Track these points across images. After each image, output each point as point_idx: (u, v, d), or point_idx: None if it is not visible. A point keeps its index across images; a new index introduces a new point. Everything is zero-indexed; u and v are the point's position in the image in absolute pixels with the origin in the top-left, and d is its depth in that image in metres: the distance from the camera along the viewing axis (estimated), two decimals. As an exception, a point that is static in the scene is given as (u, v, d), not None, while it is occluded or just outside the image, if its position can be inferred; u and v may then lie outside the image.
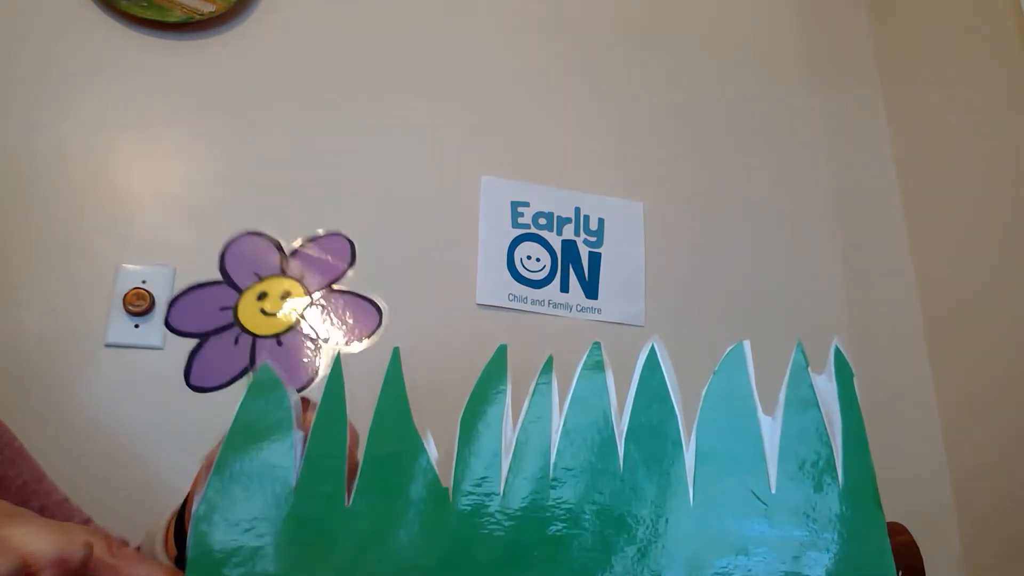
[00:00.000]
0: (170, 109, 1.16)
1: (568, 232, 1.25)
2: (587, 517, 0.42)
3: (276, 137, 1.18)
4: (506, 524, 0.41)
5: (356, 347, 0.47)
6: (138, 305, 1.02)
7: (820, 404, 0.44)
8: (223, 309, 0.48)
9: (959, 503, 1.22)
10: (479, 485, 0.42)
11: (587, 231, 1.25)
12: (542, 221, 1.24)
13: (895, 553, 0.41)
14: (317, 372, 0.46)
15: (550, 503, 0.42)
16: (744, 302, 1.28)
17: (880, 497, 0.42)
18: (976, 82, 1.26)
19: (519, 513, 0.42)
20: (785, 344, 0.46)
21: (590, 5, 1.39)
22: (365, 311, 0.49)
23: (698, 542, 0.41)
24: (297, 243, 0.51)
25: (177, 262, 1.06)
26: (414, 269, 1.15)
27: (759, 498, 0.42)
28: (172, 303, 0.49)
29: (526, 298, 1.19)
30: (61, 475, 0.71)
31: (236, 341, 0.47)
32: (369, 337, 0.48)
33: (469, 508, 0.42)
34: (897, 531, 0.88)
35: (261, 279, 0.50)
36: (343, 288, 0.50)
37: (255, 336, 0.47)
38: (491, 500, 0.42)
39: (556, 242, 1.23)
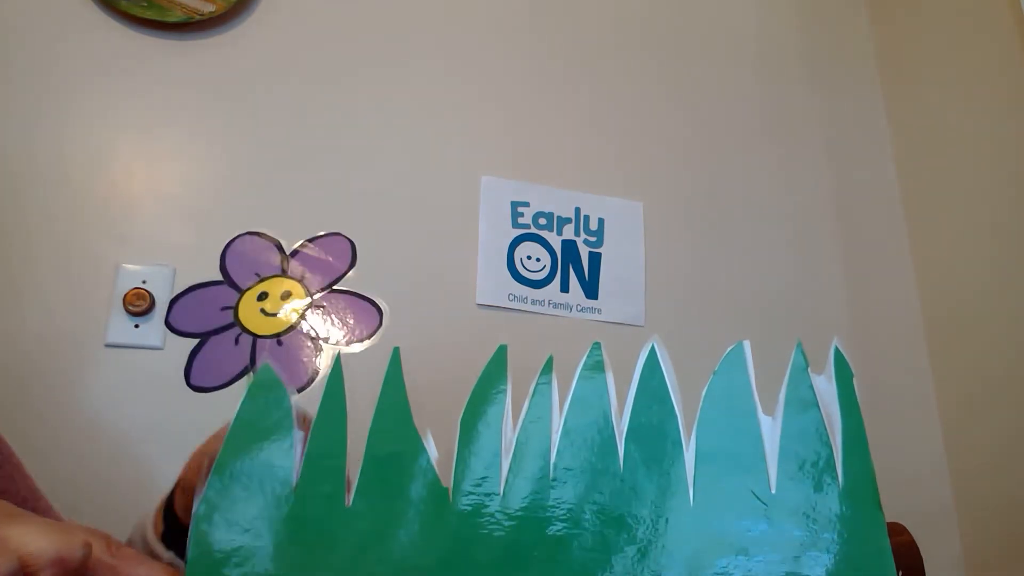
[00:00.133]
0: (170, 109, 1.16)
1: (568, 232, 1.25)
2: (587, 517, 0.42)
3: (276, 137, 1.18)
4: (506, 524, 0.41)
5: (356, 347, 0.47)
6: (138, 305, 1.02)
7: (820, 404, 0.44)
8: (223, 309, 0.48)
9: (959, 503, 1.22)
10: (479, 485, 0.42)
11: (587, 231, 1.25)
12: (542, 221, 1.24)
13: (895, 553, 0.41)
14: (317, 372, 0.46)
15: (550, 503, 0.42)
16: (744, 302, 1.28)
17: (880, 497, 0.42)
18: (976, 82, 1.26)
19: (519, 513, 0.42)
20: (785, 344, 0.46)
21: (590, 5, 1.39)
22: (365, 311, 0.49)
23: (698, 542, 0.41)
24: (298, 243, 0.51)
25: (177, 262, 1.06)
26: (414, 269, 1.15)
27: (759, 498, 0.42)
28: (172, 303, 0.49)
29: (526, 298, 1.19)
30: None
31: (236, 341, 0.47)
32: (369, 337, 0.48)
33: (469, 508, 0.42)
34: (897, 531, 0.88)
35: (262, 279, 0.50)
36: (343, 288, 0.50)
37: (255, 336, 0.47)
38: (491, 500, 0.42)
39: (556, 242, 1.23)
